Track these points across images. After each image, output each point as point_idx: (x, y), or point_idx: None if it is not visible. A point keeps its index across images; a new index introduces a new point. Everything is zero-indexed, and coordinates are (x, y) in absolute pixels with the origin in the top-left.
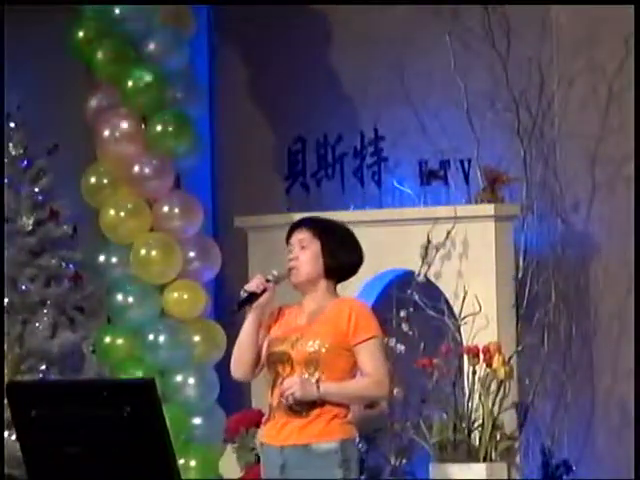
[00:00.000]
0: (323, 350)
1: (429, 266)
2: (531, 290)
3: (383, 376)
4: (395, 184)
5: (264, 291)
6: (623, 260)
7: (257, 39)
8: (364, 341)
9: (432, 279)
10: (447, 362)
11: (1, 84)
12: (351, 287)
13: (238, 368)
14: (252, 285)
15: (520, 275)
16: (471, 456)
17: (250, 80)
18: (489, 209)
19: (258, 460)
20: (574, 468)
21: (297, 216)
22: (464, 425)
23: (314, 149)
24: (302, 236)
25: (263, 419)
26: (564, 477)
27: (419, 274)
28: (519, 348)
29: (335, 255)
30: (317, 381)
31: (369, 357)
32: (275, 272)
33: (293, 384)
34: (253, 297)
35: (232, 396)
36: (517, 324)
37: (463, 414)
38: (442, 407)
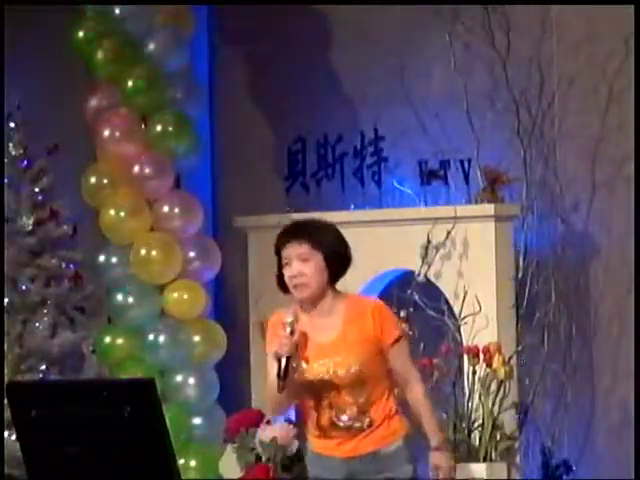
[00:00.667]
0: (364, 368)
1: (429, 266)
2: (531, 290)
3: (418, 377)
4: (395, 184)
5: (297, 346)
6: (623, 260)
7: (257, 39)
8: (394, 343)
9: (432, 279)
10: (447, 362)
11: (1, 84)
12: (352, 287)
13: (276, 409)
14: (285, 349)
15: (520, 275)
16: (471, 456)
17: (250, 80)
18: (489, 209)
19: (258, 460)
20: (574, 468)
21: (297, 216)
22: (464, 425)
23: (314, 149)
24: (301, 250)
25: (312, 434)
26: (564, 477)
27: (419, 274)
28: (519, 348)
29: (340, 261)
30: (437, 448)
31: (402, 361)
32: (289, 318)
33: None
34: (291, 359)
35: (232, 396)
36: (517, 324)
37: (463, 414)
38: (442, 407)
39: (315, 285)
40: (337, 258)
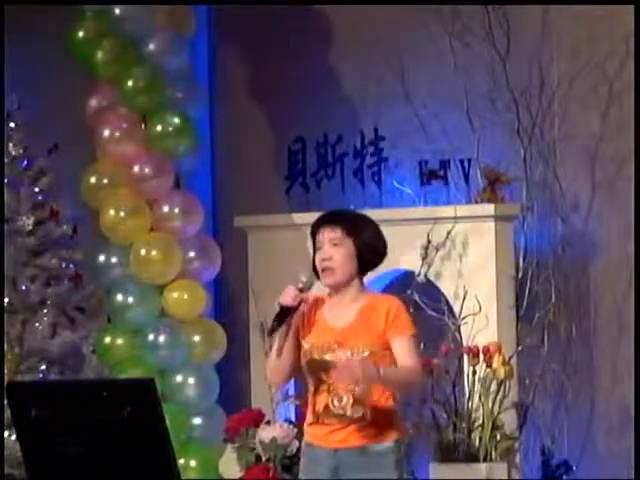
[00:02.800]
0: (369, 358)
1: (429, 266)
2: (531, 290)
3: (420, 369)
4: (395, 184)
5: (300, 302)
6: (623, 260)
7: (257, 39)
8: (401, 336)
9: (432, 279)
10: (447, 362)
11: (1, 84)
12: None
13: (276, 377)
14: (288, 299)
15: (520, 275)
16: (471, 456)
17: (250, 80)
18: (489, 209)
19: (258, 460)
20: (574, 468)
21: (297, 216)
22: (464, 425)
23: (314, 149)
24: (333, 235)
25: (307, 422)
26: (564, 477)
27: (419, 274)
28: (519, 348)
29: (371, 251)
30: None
31: (407, 351)
32: (304, 278)
33: (353, 368)
34: (290, 311)
35: (232, 396)
36: (517, 324)
37: (463, 414)
38: (442, 407)
39: (342, 271)
40: (369, 249)
